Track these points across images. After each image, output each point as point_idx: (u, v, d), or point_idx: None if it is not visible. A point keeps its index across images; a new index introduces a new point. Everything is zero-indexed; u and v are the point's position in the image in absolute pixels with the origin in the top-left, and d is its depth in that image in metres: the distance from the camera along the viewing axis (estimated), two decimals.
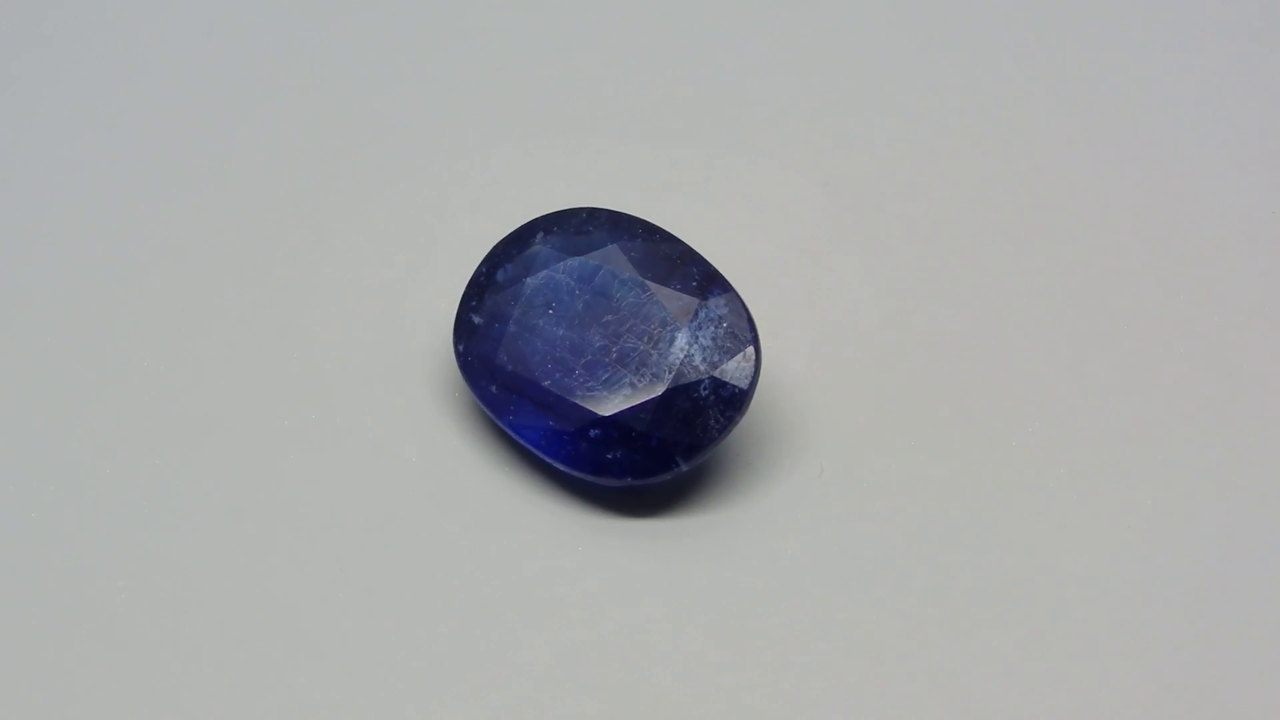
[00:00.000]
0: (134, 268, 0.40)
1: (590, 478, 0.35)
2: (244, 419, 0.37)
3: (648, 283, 0.36)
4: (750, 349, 0.35)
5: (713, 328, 0.35)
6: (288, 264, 0.41)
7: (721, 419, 0.35)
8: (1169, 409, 0.38)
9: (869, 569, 0.35)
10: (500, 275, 0.37)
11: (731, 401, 0.35)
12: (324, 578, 0.35)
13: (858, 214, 0.42)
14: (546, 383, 0.35)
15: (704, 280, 0.36)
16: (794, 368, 0.39)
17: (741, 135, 0.44)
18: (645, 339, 0.35)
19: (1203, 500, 0.37)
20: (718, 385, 0.35)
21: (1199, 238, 0.42)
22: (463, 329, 0.36)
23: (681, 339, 0.35)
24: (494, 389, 0.36)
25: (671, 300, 0.35)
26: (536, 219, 0.37)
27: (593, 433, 0.35)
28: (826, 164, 0.43)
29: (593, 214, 0.37)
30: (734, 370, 0.35)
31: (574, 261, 0.36)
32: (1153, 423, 0.38)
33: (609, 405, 0.35)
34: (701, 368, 0.35)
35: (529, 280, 0.36)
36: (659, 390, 0.35)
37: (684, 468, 0.35)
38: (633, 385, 0.35)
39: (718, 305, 0.35)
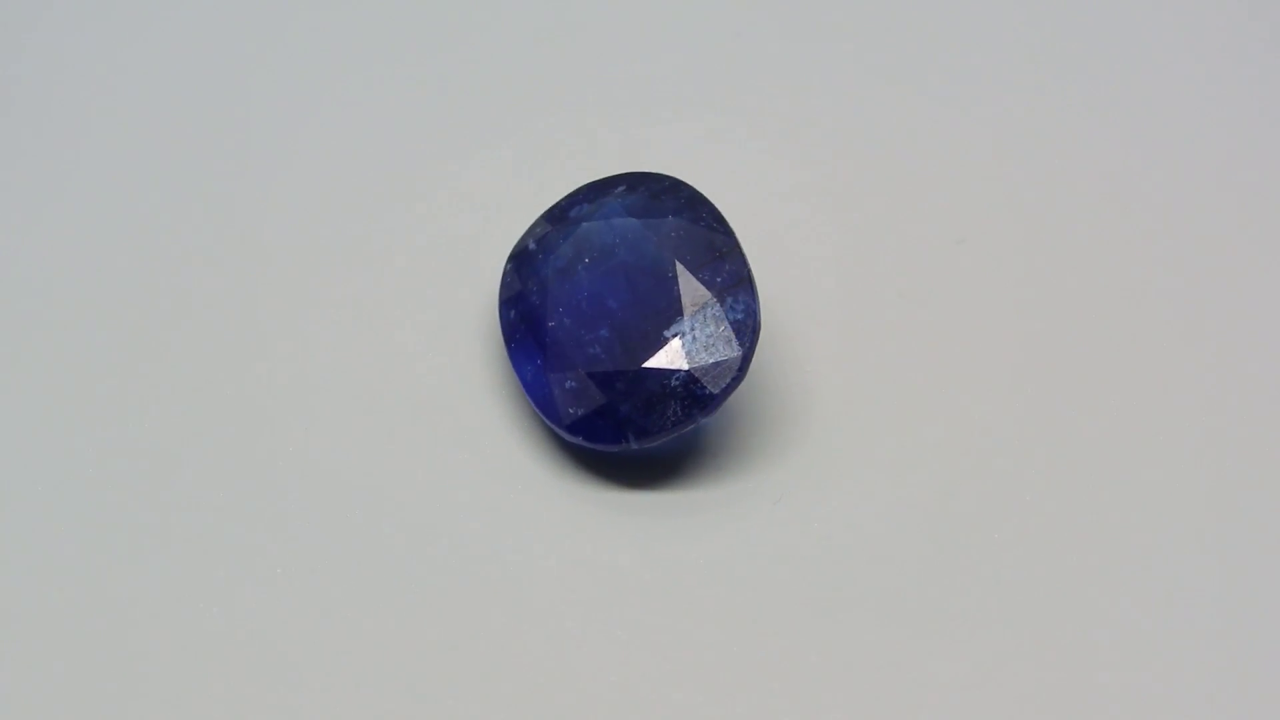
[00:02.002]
0: (189, 237, 0.41)
1: (551, 424, 0.36)
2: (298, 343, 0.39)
3: (679, 263, 0.36)
4: (736, 359, 0.35)
5: (712, 326, 0.35)
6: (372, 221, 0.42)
7: (681, 413, 0.35)
8: (1175, 404, 0.38)
9: (870, 552, 0.36)
10: (573, 212, 0.38)
11: (698, 401, 0.35)
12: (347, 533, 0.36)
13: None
14: (552, 323, 0.36)
15: (732, 280, 0.36)
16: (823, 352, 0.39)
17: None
18: (652, 314, 0.36)
19: (1209, 463, 0.37)
20: (690, 381, 0.35)
21: (1214, 228, 0.41)
22: (518, 249, 0.38)
23: (678, 325, 0.35)
24: (513, 314, 0.37)
25: (689, 287, 0.36)
26: (630, 173, 0.38)
27: (569, 384, 0.36)
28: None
29: (675, 186, 0.37)
30: (711, 373, 0.35)
31: (632, 223, 0.37)
32: (1161, 426, 0.37)
33: (592, 364, 0.36)
34: (683, 359, 0.35)
35: (585, 225, 0.37)
36: (635, 365, 0.35)
37: (634, 445, 0.35)
38: (620, 353, 0.36)
39: (730, 308, 0.35)
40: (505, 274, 0.38)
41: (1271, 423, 0.37)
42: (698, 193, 0.37)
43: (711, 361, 0.35)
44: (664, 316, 0.36)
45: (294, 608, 0.35)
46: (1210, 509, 0.36)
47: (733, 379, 0.35)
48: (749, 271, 0.36)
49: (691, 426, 0.35)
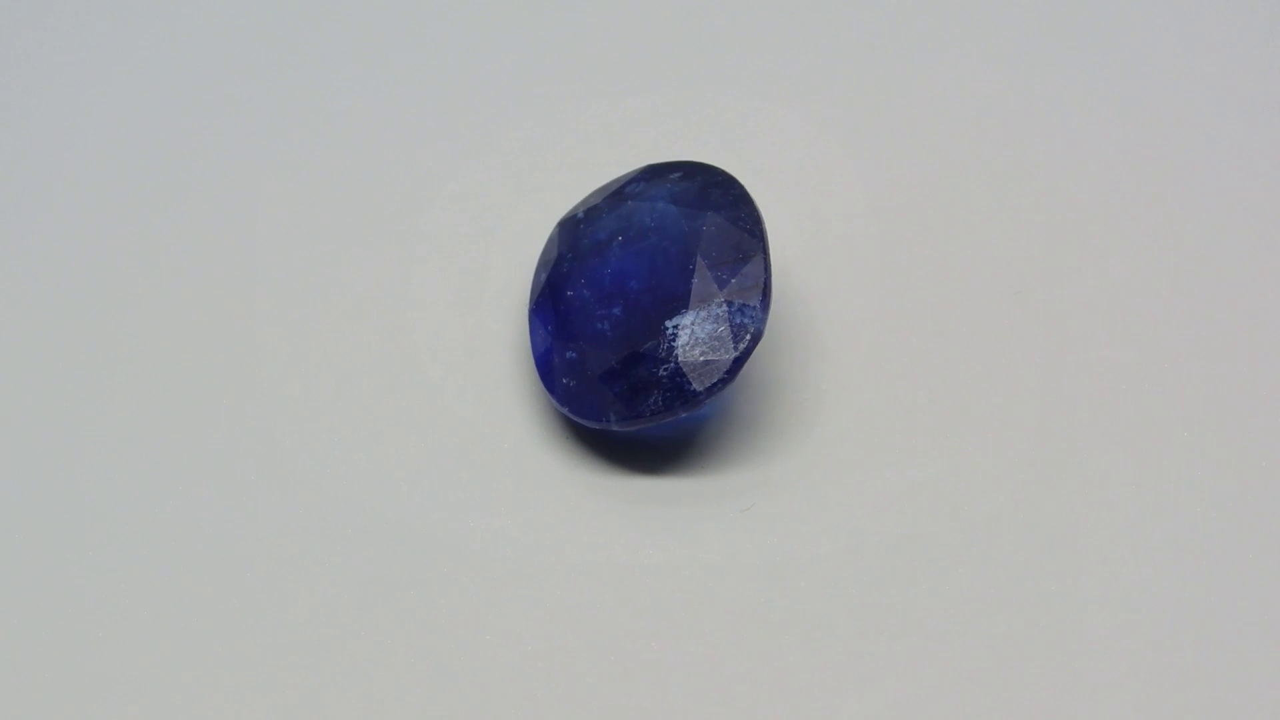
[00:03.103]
0: (224, 239, 0.41)
1: (547, 390, 0.37)
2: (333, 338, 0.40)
3: (701, 259, 0.36)
4: (726, 361, 0.35)
5: (712, 325, 0.35)
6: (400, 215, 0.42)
7: (662, 404, 0.35)
8: (1178, 426, 0.37)
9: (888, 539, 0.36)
10: (628, 189, 0.38)
11: (681, 395, 0.35)
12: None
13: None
14: (570, 292, 0.37)
15: (746, 284, 0.36)
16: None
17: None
18: (662, 303, 0.36)
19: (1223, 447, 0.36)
20: (678, 374, 0.35)
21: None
22: (567, 216, 0.39)
23: (680, 319, 0.36)
24: (543, 278, 0.38)
25: (703, 284, 0.36)
26: (691, 162, 0.38)
27: (570, 354, 0.36)
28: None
29: (728, 183, 0.38)
30: (699, 370, 0.35)
31: (672, 210, 0.37)
32: (1161, 450, 0.37)
33: (596, 339, 0.36)
34: (676, 352, 0.35)
35: (631, 204, 0.38)
36: (631, 348, 0.36)
37: (614, 426, 0.36)
38: (624, 333, 0.36)
39: (736, 310, 0.35)
40: (549, 238, 0.38)
41: None
42: (746, 194, 0.37)
43: (702, 360, 0.35)
44: (671, 307, 0.36)
45: (304, 605, 0.35)
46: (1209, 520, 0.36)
47: (719, 380, 0.35)
48: (767, 280, 0.36)
49: (671, 418, 0.36)
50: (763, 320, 0.36)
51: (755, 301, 0.36)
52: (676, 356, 0.35)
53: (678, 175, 0.38)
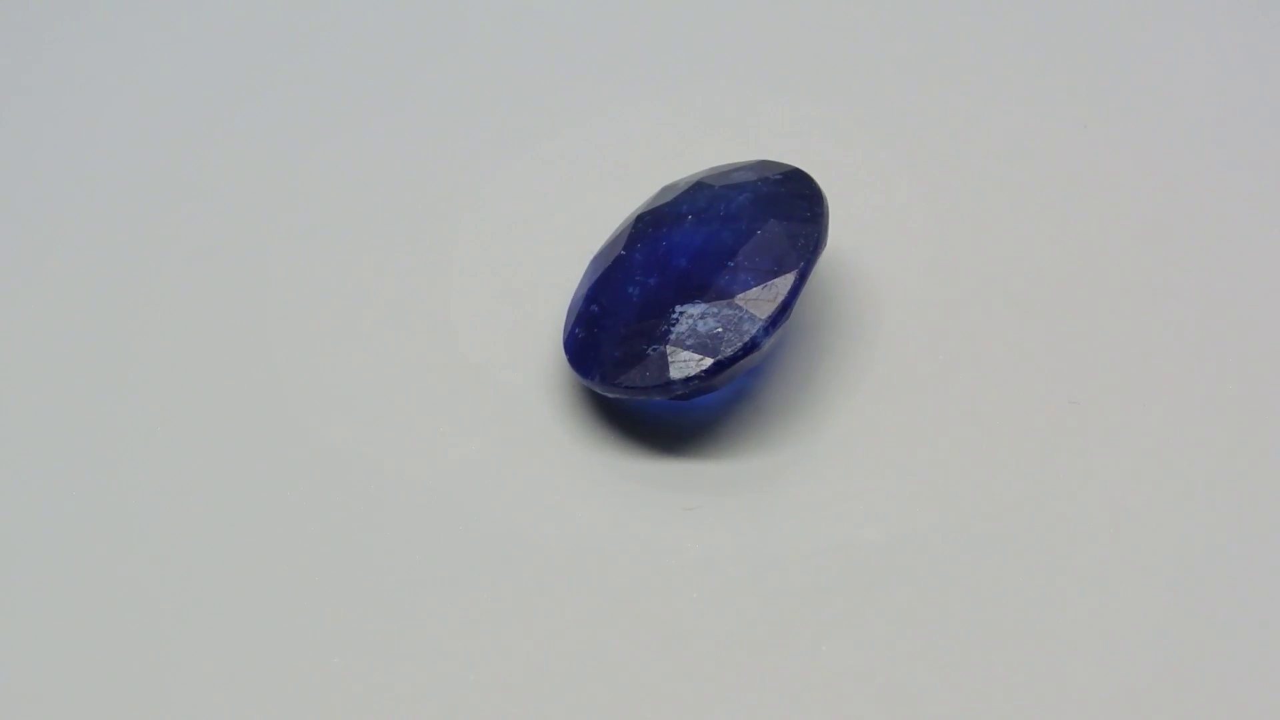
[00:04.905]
0: (265, 240, 0.42)
1: (563, 337, 0.37)
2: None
3: (739, 258, 0.36)
4: (707, 363, 0.35)
5: (714, 323, 0.35)
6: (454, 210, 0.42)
7: (639, 382, 0.35)
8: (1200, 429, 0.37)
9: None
10: (736, 174, 0.38)
11: (655, 379, 0.35)
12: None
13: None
14: (623, 252, 0.37)
15: (766, 297, 0.35)
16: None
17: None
18: (689, 289, 0.36)
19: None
20: (661, 357, 0.35)
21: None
22: (681, 180, 0.39)
23: (692, 308, 0.36)
24: (614, 232, 0.38)
25: (729, 281, 0.36)
26: (799, 170, 0.38)
27: (594, 307, 0.37)
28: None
29: (814, 199, 0.37)
30: (681, 361, 0.35)
31: (749, 205, 0.37)
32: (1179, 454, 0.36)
33: (620, 301, 0.36)
34: (670, 336, 0.35)
35: (723, 188, 0.38)
36: (640, 321, 0.36)
37: (596, 388, 0.36)
38: (645, 305, 0.36)
39: (742, 317, 0.35)
40: (657, 193, 0.39)
41: None
42: (823, 218, 0.37)
43: (689, 352, 0.35)
44: (691, 294, 0.36)
45: (328, 590, 0.35)
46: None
47: (696, 376, 0.35)
48: (787, 300, 0.35)
49: (645, 399, 0.36)
50: (764, 336, 0.35)
51: (764, 315, 0.35)
52: (668, 340, 0.35)
53: (778, 177, 0.38)
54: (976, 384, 0.37)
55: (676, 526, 0.35)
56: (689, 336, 0.35)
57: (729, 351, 0.35)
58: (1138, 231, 0.40)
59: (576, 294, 0.38)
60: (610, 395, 0.36)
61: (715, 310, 0.35)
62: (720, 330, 0.35)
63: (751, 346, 0.35)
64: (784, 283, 0.36)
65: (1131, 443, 0.36)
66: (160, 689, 0.34)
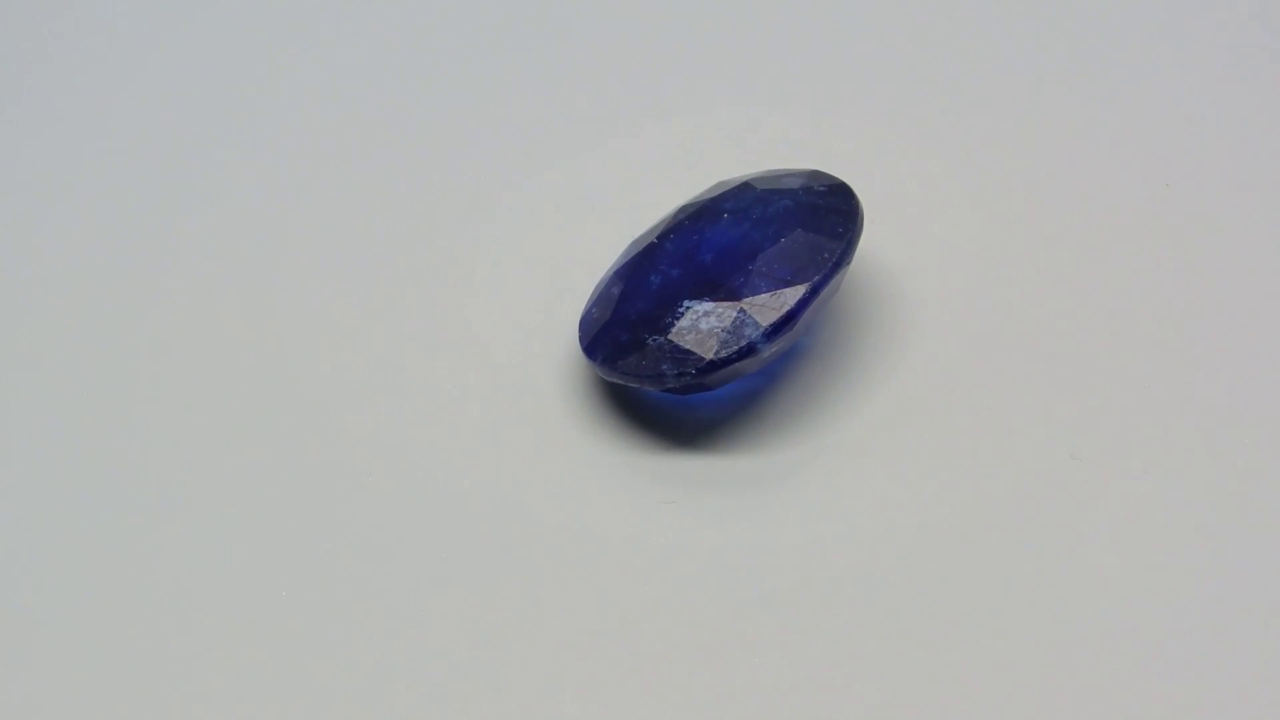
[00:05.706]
0: (280, 249, 0.42)
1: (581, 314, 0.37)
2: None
3: (759, 262, 0.36)
4: (700, 361, 0.35)
5: (716, 323, 0.35)
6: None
7: (633, 369, 0.35)
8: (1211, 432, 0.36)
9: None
10: (754, 180, 0.38)
11: (649, 369, 0.35)
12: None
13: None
14: (655, 240, 0.37)
15: (773, 305, 0.35)
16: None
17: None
18: (704, 284, 0.36)
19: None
20: (658, 348, 0.35)
21: None
22: (737, 178, 0.39)
23: (699, 304, 0.35)
24: (671, 215, 0.38)
25: (741, 283, 0.36)
26: (844, 184, 0.38)
27: (615, 289, 0.37)
28: None
29: (850, 216, 0.37)
30: (676, 359, 0.35)
31: (776, 206, 0.37)
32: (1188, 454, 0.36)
33: (641, 287, 0.36)
34: (671, 329, 0.35)
35: (749, 192, 0.37)
36: (649, 309, 0.36)
37: (596, 369, 0.36)
38: (661, 294, 0.36)
39: (745, 322, 0.35)
40: (713, 185, 0.39)
41: None
42: (854, 235, 0.36)
43: (685, 348, 0.35)
44: (703, 290, 0.36)
45: (347, 577, 0.35)
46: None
47: (688, 373, 0.35)
48: (794, 311, 0.35)
49: (637, 386, 0.36)
50: (764, 342, 0.35)
51: (766, 322, 0.35)
52: (669, 333, 0.35)
53: (823, 189, 0.37)
54: (988, 392, 0.37)
55: (676, 525, 0.35)
56: (689, 332, 0.35)
57: (723, 353, 0.35)
58: (1173, 258, 0.39)
59: (605, 274, 0.38)
60: (608, 379, 0.36)
61: (720, 310, 0.35)
62: (720, 330, 0.35)
63: (748, 351, 0.35)
64: (793, 293, 0.35)
65: (1142, 454, 0.36)
66: (178, 666, 0.34)
